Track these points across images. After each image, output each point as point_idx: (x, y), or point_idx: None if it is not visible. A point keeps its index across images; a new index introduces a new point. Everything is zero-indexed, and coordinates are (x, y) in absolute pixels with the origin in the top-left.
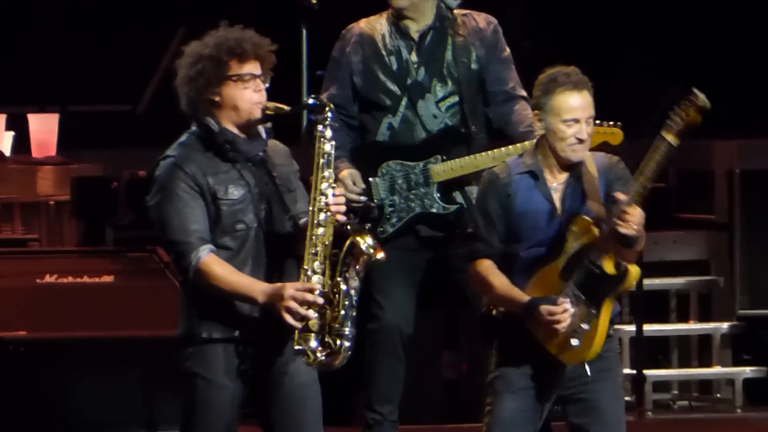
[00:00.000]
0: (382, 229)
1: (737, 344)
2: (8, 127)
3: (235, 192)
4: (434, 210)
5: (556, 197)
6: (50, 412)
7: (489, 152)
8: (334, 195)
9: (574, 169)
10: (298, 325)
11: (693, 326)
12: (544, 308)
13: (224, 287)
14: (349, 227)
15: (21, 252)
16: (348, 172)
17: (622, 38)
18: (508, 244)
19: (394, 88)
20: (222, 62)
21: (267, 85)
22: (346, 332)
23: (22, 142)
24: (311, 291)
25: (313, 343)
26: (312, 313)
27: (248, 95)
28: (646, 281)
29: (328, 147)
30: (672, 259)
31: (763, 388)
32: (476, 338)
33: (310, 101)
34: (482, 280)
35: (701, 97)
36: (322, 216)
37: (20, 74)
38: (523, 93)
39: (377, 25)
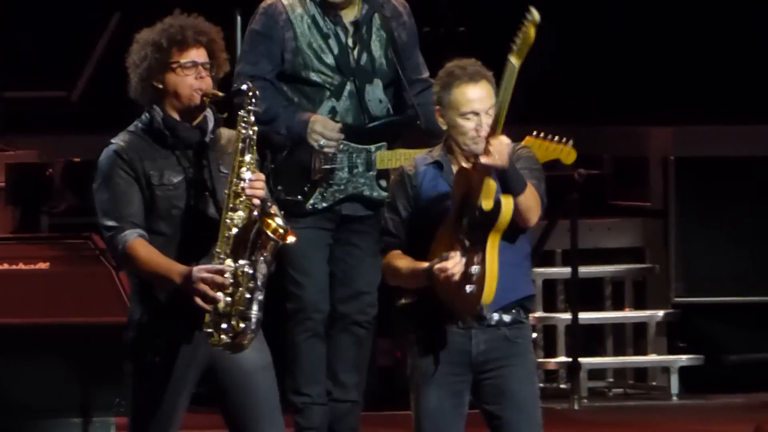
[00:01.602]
0: (313, 201)
1: (672, 332)
2: None
3: (172, 178)
4: (370, 194)
5: None
6: None
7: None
8: (250, 179)
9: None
10: (207, 307)
11: (628, 314)
12: (436, 267)
13: (145, 269)
14: (256, 212)
15: None
16: (319, 117)
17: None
18: (419, 234)
19: (336, 71)
20: (163, 49)
21: (213, 72)
22: (251, 315)
23: None
24: (221, 273)
25: (224, 325)
26: (221, 296)
27: (189, 82)
28: (581, 269)
29: (251, 132)
30: (607, 247)
31: (698, 376)
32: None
33: (243, 87)
34: (389, 268)
35: (535, 14)
36: (238, 200)
37: None
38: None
39: (304, 6)
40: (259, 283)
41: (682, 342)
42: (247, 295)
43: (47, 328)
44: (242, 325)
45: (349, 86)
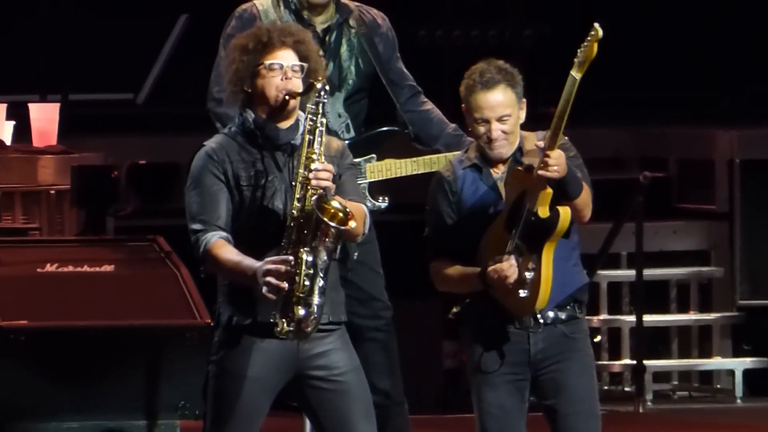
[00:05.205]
0: None
1: (737, 334)
2: (9, 117)
3: (261, 178)
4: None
5: (501, 185)
6: (51, 401)
7: (429, 157)
8: (316, 168)
9: (509, 160)
10: (272, 297)
11: (693, 316)
12: (490, 269)
13: (223, 267)
14: (314, 199)
15: (21, 241)
16: None
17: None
18: (464, 238)
19: None
20: (249, 51)
21: (302, 75)
22: (312, 302)
23: (22, 131)
24: (285, 263)
25: (298, 312)
26: (285, 285)
27: (275, 83)
28: (646, 271)
29: (318, 124)
30: (672, 249)
31: (763, 379)
32: None
33: (317, 84)
34: (439, 277)
35: (598, 30)
36: (303, 190)
37: (21, 63)
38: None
39: (275, 12)
40: (319, 269)
41: (747, 345)
42: (307, 282)
43: (112, 330)
44: (302, 312)
45: None
